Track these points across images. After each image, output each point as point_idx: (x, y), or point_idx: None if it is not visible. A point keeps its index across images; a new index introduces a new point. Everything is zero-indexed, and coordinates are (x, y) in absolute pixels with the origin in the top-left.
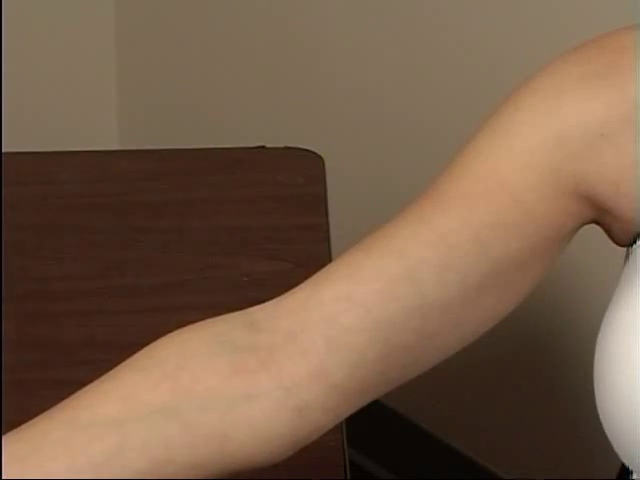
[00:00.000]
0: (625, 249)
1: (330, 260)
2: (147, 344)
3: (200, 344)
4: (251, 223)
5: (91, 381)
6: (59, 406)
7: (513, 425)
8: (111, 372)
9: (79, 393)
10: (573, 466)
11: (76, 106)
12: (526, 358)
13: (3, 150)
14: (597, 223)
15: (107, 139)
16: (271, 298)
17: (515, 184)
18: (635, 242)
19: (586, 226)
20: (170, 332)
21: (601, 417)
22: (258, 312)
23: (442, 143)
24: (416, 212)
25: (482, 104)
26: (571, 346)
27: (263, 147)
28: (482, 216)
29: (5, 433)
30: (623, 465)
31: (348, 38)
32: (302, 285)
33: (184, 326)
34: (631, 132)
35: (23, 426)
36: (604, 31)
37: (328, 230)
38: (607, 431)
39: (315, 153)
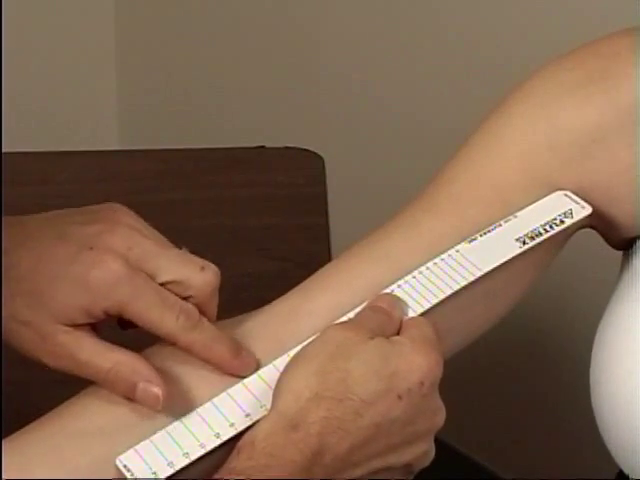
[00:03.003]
0: (622, 252)
1: (330, 260)
2: (147, 344)
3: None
4: (251, 223)
5: (91, 381)
6: (50, 414)
7: (513, 425)
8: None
9: (70, 401)
10: (573, 466)
11: (76, 106)
12: (526, 358)
13: (3, 150)
14: (592, 228)
15: (107, 139)
16: (271, 298)
17: (507, 190)
18: (631, 246)
19: (583, 229)
20: None
21: (598, 422)
22: (249, 319)
23: (442, 143)
24: (407, 217)
25: (483, 105)
26: (570, 346)
27: (263, 147)
28: (473, 222)
29: (5, 432)
30: None
31: (348, 38)
32: (294, 291)
33: None
34: (624, 138)
35: (13, 435)
36: (603, 31)
37: (328, 230)
38: (604, 436)
39: (315, 153)
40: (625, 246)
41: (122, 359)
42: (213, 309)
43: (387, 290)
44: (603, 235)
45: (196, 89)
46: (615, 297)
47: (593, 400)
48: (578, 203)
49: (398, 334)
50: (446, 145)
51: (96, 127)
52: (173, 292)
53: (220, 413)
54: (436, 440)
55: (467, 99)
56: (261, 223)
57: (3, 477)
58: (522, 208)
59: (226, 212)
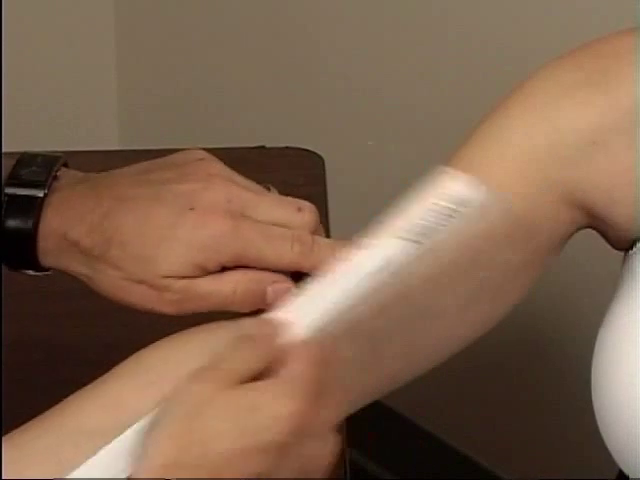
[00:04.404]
0: (623, 253)
1: None
2: (147, 344)
3: (187, 353)
4: None
5: (91, 381)
6: (48, 412)
7: (513, 425)
8: (100, 379)
9: (69, 399)
10: (573, 466)
11: (76, 106)
12: (526, 359)
13: (3, 150)
14: (592, 228)
15: (107, 139)
16: None
17: (506, 190)
18: (632, 247)
19: (584, 229)
20: (170, 332)
21: (599, 423)
22: (247, 323)
23: (442, 143)
24: None
25: (483, 104)
26: (571, 346)
27: (263, 147)
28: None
29: (6, 433)
30: None
31: (348, 38)
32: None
33: (184, 326)
34: (624, 139)
35: (12, 432)
36: (604, 31)
37: (328, 230)
38: (604, 437)
39: (315, 153)
40: (626, 246)
41: (240, 276)
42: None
43: (294, 296)
44: (603, 235)
45: (196, 89)
46: (616, 298)
47: (594, 400)
48: (465, 185)
49: (277, 367)
50: (447, 145)
51: (96, 127)
52: None
53: None
54: (436, 440)
55: (468, 99)
56: None
57: (3, 476)
58: (521, 211)
59: None
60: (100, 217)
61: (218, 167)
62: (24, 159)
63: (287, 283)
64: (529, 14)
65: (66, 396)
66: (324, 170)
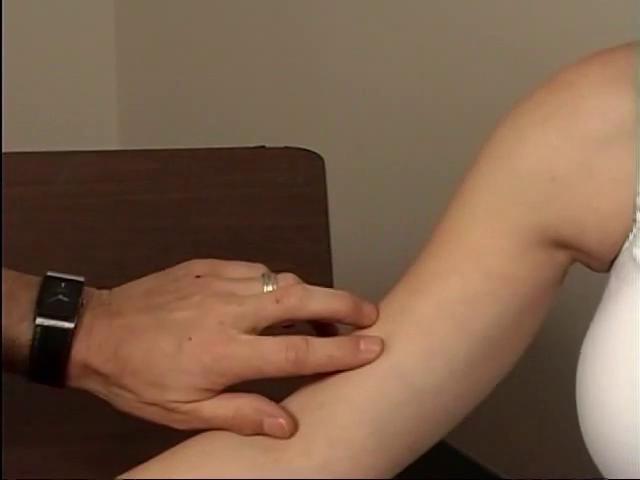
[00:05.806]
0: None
1: (330, 260)
2: None
3: (222, 446)
4: (251, 223)
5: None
6: None
7: (513, 425)
8: (143, 465)
9: None
10: (573, 466)
11: (76, 106)
12: (525, 358)
13: (3, 150)
14: (578, 261)
15: (107, 139)
16: None
17: (482, 252)
18: (609, 269)
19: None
20: None
21: (583, 434)
22: None
23: (443, 143)
24: (394, 302)
25: (484, 105)
26: (571, 347)
27: (263, 147)
28: (456, 293)
29: (3, 434)
30: None
31: (348, 38)
32: (305, 387)
33: None
34: (582, 171)
35: None
36: (603, 31)
37: (328, 230)
38: (590, 449)
39: (315, 153)
40: (607, 269)
41: (241, 403)
42: (314, 315)
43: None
44: (584, 264)
45: (196, 89)
46: (599, 310)
47: (579, 410)
48: None
49: None
50: (446, 145)
51: (96, 127)
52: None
53: None
54: (437, 441)
55: (468, 99)
56: (261, 223)
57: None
58: (499, 267)
59: (226, 212)
60: (113, 347)
61: (212, 282)
62: (47, 284)
63: (282, 420)
64: (530, 15)
65: (66, 396)
66: (324, 170)
